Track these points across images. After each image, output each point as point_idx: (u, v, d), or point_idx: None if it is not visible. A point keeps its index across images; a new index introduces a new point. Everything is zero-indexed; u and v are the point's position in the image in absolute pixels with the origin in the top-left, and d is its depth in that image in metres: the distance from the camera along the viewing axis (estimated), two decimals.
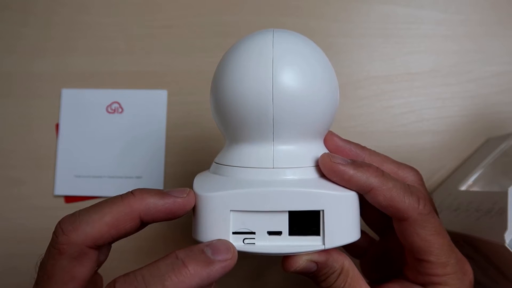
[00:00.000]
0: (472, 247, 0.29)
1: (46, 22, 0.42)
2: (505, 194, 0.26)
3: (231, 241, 0.21)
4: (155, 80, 0.41)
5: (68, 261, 0.21)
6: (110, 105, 0.40)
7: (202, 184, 0.23)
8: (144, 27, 0.42)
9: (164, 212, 0.22)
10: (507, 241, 0.24)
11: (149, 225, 0.23)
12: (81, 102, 0.41)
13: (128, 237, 0.39)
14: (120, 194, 0.22)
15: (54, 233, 0.21)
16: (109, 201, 0.21)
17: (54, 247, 0.21)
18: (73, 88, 0.41)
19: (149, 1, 0.42)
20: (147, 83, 0.41)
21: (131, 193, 0.22)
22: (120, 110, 0.40)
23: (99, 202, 0.22)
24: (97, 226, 0.21)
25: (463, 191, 0.34)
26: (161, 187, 0.39)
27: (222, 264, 0.20)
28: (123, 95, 0.40)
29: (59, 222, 0.21)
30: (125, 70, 0.41)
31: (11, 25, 0.42)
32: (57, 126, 0.40)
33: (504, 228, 0.25)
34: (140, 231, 0.30)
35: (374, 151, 0.26)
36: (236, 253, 0.21)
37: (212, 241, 0.21)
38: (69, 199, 0.39)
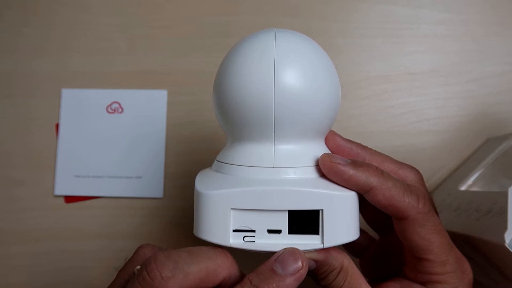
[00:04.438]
0: (472, 247, 0.29)
1: (47, 22, 0.42)
2: (505, 194, 0.26)
3: (231, 238, 0.22)
4: (155, 80, 0.41)
5: None
6: (110, 105, 0.40)
7: (204, 181, 0.23)
8: (144, 27, 0.42)
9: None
10: (507, 241, 0.24)
11: (149, 225, 0.23)
12: (81, 102, 0.41)
13: (131, 238, 0.39)
14: (216, 249, 0.22)
15: (148, 273, 0.19)
16: (207, 254, 0.21)
17: None
18: (73, 88, 0.41)
19: (149, 1, 0.42)
20: (147, 83, 0.41)
21: (225, 254, 0.22)
22: (120, 110, 0.40)
23: (198, 251, 0.21)
24: (191, 279, 0.20)
25: (463, 191, 0.34)
26: (161, 187, 0.39)
27: (295, 276, 0.21)
28: (123, 95, 0.40)
29: (157, 264, 0.20)
30: (125, 70, 0.41)
31: (12, 25, 0.42)
32: (57, 126, 0.41)
33: (504, 228, 0.25)
34: (141, 231, 0.30)
35: (375, 151, 0.26)
36: (306, 258, 0.21)
37: (279, 252, 0.21)
38: (69, 199, 0.39)
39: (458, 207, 0.33)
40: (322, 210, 0.22)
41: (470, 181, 0.35)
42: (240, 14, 0.42)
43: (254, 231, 0.22)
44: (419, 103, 0.40)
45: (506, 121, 0.39)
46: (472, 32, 0.41)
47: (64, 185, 0.39)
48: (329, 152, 0.25)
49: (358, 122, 0.40)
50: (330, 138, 0.25)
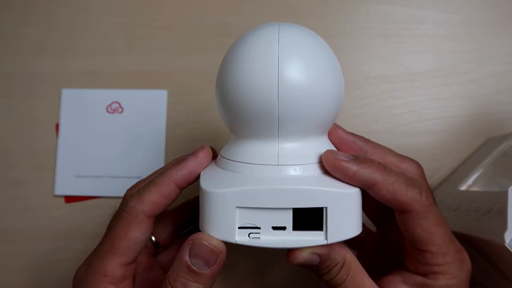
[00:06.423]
0: (472, 247, 0.29)
1: (47, 22, 0.42)
2: (505, 194, 0.26)
3: (237, 236, 0.22)
4: (155, 80, 0.41)
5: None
6: (110, 105, 0.40)
7: (209, 179, 0.23)
8: (144, 27, 0.42)
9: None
10: (507, 241, 0.24)
11: None
12: (81, 102, 0.41)
13: None
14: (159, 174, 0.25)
15: (124, 197, 0.26)
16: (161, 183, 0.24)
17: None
18: (73, 88, 0.41)
19: (149, 1, 0.42)
20: (147, 83, 0.41)
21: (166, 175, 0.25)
22: (120, 110, 0.40)
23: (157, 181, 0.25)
24: (145, 201, 0.24)
25: (463, 191, 0.34)
26: None
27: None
28: (123, 95, 0.40)
29: (127, 190, 0.26)
30: (125, 70, 0.41)
31: (12, 25, 0.42)
32: (57, 126, 0.41)
33: (504, 228, 0.25)
34: None
35: (377, 144, 0.27)
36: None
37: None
38: (69, 199, 0.39)
39: (458, 207, 0.33)
40: (326, 207, 0.22)
41: (470, 181, 0.35)
42: (240, 14, 0.42)
43: (259, 228, 0.22)
44: (419, 103, 0.40)
45: (506, 121, 0.39)
46: (472, 32, 0.41)
47: (64, 185, 0.39)
48: (333, 147, 0.25)
49: (358, 122, 0.40)
50: (333, 131, 0.26)
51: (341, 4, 0.41)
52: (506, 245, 0.24)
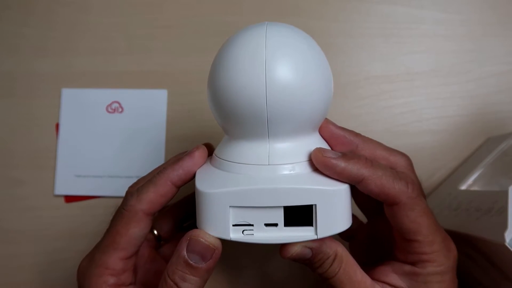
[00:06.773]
0: (472, 247, 0.29)
1: (47, 22, 0.42)
2: (505, 194, 0.26)
3: (231, 233, 0.23)
4: (155, 80, 0.41)
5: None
6: (110, 104, 0.40)
7: (204, 179, 0.24)
8: (144, 27, 0.42)
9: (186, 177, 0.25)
10: (507, 240, 0.25)
11: None
12: (81, 102, 0.41)
13: None
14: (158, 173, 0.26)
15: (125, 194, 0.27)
16: (159, 183, 0.25)
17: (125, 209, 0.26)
18: (73, 88, 0.41)
19: (149, 1, 0.42)
20: (147, 83, 0.41)
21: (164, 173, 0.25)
22: (120, 109, 0.40)
23: (155, 180, 0.25)
24: (143, 200, 0.25)
25: (463, 190, 0.35)
26: None
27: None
28: (123, 95, 0.40)
29: (128, 188, 0.27)
30: (125, 70, 0.41)
31: (12, 25, 0.42)
32: (57, 126, 0.41)
33: (504, 227, 0.25)
34: None
35: (368, 138, 0.27)
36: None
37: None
38: (69, 198, 0.39)
39: (458, 206, 0.33)
40: (316, 204, 0.22)
41: (470, 180, 0.35)
42: (240, 14, 0.42)
43: (252, 225, 0.23)
44: (419, 103, 0.40)
45: (506, 120, 0.39)
46: (472, 32, 0.41)
47: (64, 185, 0.39)
48: (324, 142, 0.26)
49: (358, 122, 0.40)
50: (324, 126, 0.26)
51: (341, 4, 0.41)
52: (507, 244, 0.24)
